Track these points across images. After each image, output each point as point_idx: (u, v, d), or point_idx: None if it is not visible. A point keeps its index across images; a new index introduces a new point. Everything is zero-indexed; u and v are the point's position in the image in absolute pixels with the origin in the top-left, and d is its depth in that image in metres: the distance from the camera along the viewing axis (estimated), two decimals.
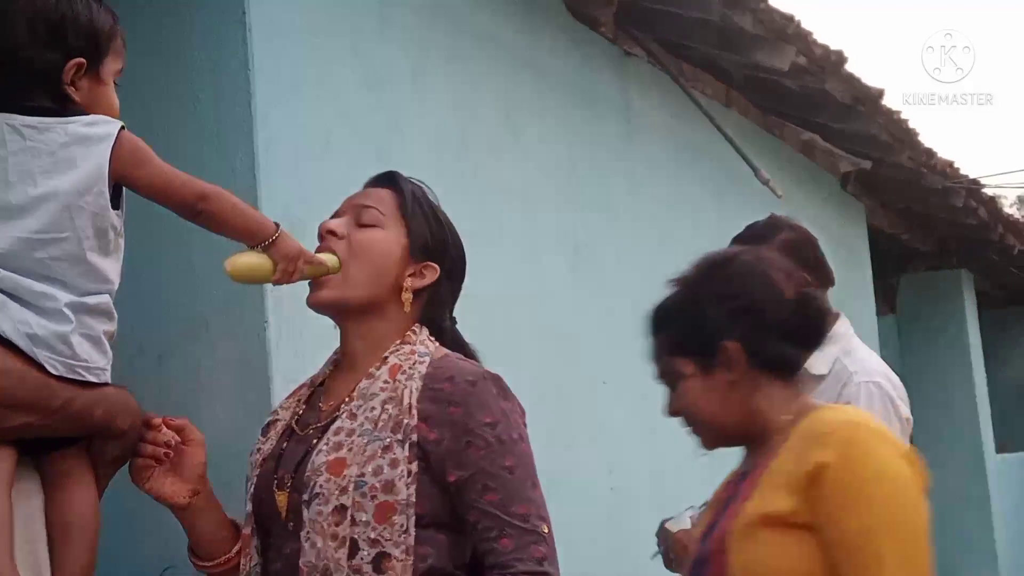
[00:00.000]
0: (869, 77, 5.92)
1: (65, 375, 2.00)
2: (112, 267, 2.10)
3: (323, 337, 2.39)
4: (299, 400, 2.28)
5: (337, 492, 2.04)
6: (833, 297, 3.27)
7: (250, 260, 2.20)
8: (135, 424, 2.15)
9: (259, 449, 2.24)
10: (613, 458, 4.20)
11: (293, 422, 2.24)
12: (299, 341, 2.57)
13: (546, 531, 2.11)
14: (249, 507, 2.20)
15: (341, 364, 2.29)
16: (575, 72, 4.28)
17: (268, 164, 2.60)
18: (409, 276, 2.25)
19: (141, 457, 2.19)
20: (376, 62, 3.11)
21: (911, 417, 3.09)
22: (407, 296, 2.24)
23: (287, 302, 2.54)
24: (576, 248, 4.13)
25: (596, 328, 4.22)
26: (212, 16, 2.64)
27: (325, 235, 2.26)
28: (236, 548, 2.23)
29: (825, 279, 3.23)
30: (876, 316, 7.68)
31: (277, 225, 2.21)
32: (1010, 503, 9.69)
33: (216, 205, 2.15)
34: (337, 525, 2.03)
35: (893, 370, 3.29)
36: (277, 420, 2.27)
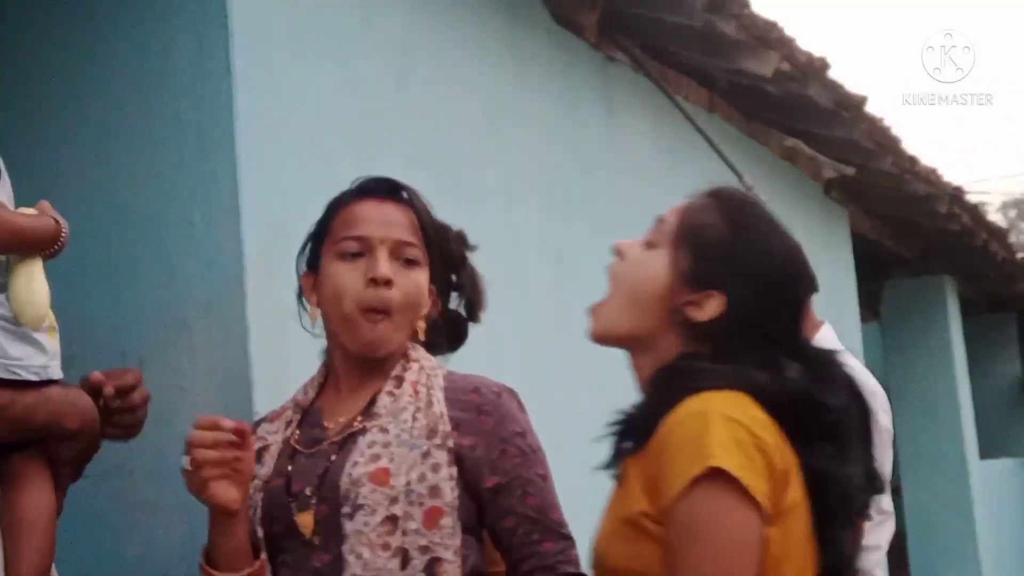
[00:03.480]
0: (866, 78, 5.97)
1: (2, 376, 1.91)
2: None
3: (306, 343, 2.38)
4: (287, 423, 2.22)
5: (387, 502, 2.03)
6: (816, 304, 3.29)
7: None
8: (87, 423, 2.02)
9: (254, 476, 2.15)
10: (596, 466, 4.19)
11: (293, 442, 2.18)
12: (281, 347, 2.57)
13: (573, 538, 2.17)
14: (261, 532, 2.11)
15: (336, 386, 2.23)
16: (558, 77, 4.28)
17: (250, 169, 2.59)
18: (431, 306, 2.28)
19: (213, 465, 2.00)
20: (358, 67, 3.10)
21: (891, 428, 3.09)
22: (422, 325, 2.25)
23: (269, 307, 2.53)
24: (559, 253, 4.13)
25: (579, 335, 4.20)
26: (194, 21, 2.63)
27: (382, 285, 2.16)
28: (257, 566, 2.08)
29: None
30: (860, 322, 7.69)
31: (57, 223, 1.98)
32: (993, 509, 9.71)
33: None
34: (389, 535, 2.02)
35: (877, 376, 3.29)
36: (268, 445, 2.19)
